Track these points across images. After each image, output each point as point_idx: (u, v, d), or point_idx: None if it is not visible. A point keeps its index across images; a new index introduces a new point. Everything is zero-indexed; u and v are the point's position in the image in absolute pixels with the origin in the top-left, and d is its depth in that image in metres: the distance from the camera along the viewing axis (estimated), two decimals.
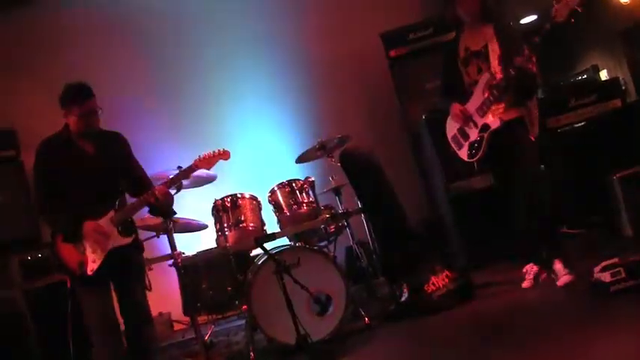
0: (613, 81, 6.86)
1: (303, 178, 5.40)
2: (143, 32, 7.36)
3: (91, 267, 4.18)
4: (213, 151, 4.50)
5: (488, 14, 4.75)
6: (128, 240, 4.34)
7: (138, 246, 4.55)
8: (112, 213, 4.28)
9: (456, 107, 4.80)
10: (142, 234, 5.53)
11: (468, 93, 4.80)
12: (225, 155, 4.53)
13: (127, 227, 4.39)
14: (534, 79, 4.57)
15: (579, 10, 4.13)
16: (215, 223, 5.32)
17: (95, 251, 4.21)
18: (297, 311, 4.36)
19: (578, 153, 6.03)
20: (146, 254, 5.63)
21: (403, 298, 4.98)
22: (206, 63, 7.47)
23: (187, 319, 5.68)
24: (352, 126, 7.27)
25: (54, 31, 7.22)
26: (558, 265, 4.55)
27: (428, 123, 6.20)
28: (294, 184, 5.33)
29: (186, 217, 5.74)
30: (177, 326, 6.58)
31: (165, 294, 5.86)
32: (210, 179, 5.63)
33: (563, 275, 4.49)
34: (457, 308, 4.76)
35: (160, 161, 4.96)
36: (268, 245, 4.95)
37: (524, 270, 4.81)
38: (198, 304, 5.33)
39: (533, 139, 4.64)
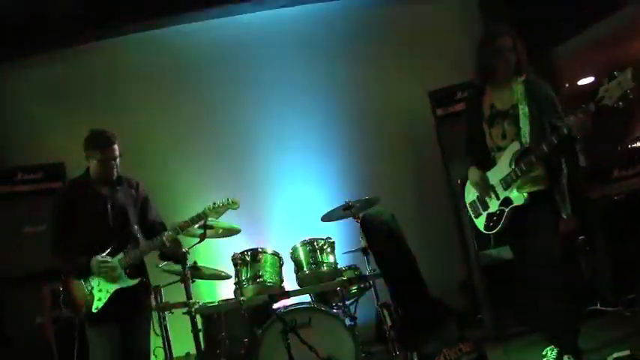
0: None
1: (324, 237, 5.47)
2: (195, 82, 7.57)
3: (96, 305, 4.39)
4: (222, 201, 4.73)
5: (521, 68, 4.42)
6: (134, 282, 4.53)
7: (146, 289, 4.77)
8: (121, 255, 4.49)
9: (475, 174, 4.58)
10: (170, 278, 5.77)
11: (490, 157, 4.53)
12: (234, 205, 4.78)
13: (136, 269, 4.60)
14: (573, 146, 4.35)
15: (631, 95, 3.81)
16: (235, 275, 5.41)
17: (101, 290, 4.42)
18: None
19: (619, 226, 5.86)
20: (172, 298, 5.91)
21: None
22: (253, 109, 7.59)
23: None
24: (395, 183, 7.45)
25: (109, 72, 7.53)
26: None
27: (464, 187, 6.13)
28: (315, 243, 5.41)
29: (214, 266, 5.85)
30: None
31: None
32: (234, 232, 5.73)
33: None
34: None
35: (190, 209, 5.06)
36: (285, 302, 5.09)
37: (543, 352, 4.57)
38: (218, 351, 5.47)
39: (565, 217, 4.31)
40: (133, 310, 4.57)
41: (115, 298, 4.42)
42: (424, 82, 7.18)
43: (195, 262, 5.57)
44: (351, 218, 5.74)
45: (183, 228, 4.64)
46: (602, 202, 6.00)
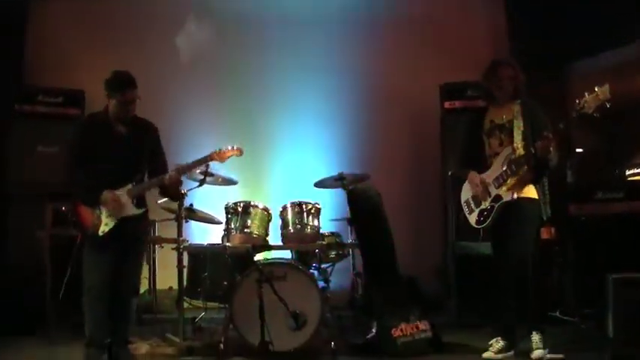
0: None
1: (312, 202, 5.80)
2: (216, 39, 7.64)
3: (102, 229, 4.70)
4: (227, 147, 4.96)
5: (518, 93, 5.03)
6: (141, 211, 4.85)
7: (147, 219, 5.12)
8: (129, 186, 4.78)
9: (475, 177, 5.08)
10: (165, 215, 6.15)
11: (487, 163, 5.07)
12: (238, 152, 5.00)
13: (140, 200, 4.91)
14: (548, 164, 4.84)
15: (608, 105, 4.40)
16: (225, 223, 5.75)
17: (109, 216, 4.72)
18: (272, 320, 4.70)
19: (592, 244, 6.15)
20: (164, 234, 6.29)
21: (370, 335, 5.32)
22: (267, 72, 7.87)
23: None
24: (392, 164, 7.76)
25: (141, 15, 7.86)
26: (535, 337, 4.85)
27: (453, 180, 6.48)
28: (303, 206, 5.70)
29: (208, 211, 6.23)
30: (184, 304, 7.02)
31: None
32: (232, 182, 6.09)
33: (537, 349, 4.80)
34: (417, 358, 5.11)
35: (192, 155, 5.33)
36: (266, 255, 5.46)
37: (489, 342, 5.06)
38: (199, 289, 5.85)
39: (545, 218, 5.03)
40: (133, 238, 4.89)
41: (120, 225, 4.73)
42: (436, 74, 7.42)
43: (191, 205, 5.95)
44: (341, 189, 6.11)
45: (189, 168, 4.92)
46: (578, 218, 6.29)
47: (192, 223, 6.32)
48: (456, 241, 6.51)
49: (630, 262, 5.67)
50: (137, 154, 4.88)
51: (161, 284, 6.83)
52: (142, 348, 5.40)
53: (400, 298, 5.43)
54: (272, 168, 7.69)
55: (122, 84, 4.75)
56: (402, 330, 5.20)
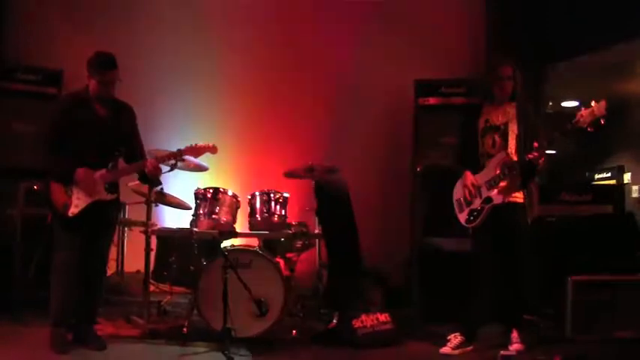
0: (611, 187, 6.97)
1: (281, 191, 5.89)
2: (195, 28, 7.87)
3: (72, 210, 4.77)
4: (204, 144, 5.04)
5: (516, 94, 5.12)
6: (111, 197, 4.93)
7: (118, 205, 5.18)
8: (104, 171, 4.85)
9: (469, 178, 5.15)
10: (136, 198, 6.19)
11: (480, 162, 5.17)
12: (213, 150, 5.09)
13: (113, 186, 4.97)
14: (536, 171, 4.99)
15: (602, 122, 4.53)
16: (194, 208, 5.80)
17: (80, 198, 4.79)
18: (236, 306, 4.86)
19: (556, 244, 6.25)
20: (134, 217, 6.33)
21: (331, 325, 5.42)
22: (242, 63, 7.92)
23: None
24: (364, 158, 7.76)
25: None
26: (514, 334, 5.03)
27: (422, 176, 6.58)
28: (271, 195, 5.80)
29: (179, 196, 6.30)
30: (151, 287, 7.08)
31: None
32: (203, 169, 6.16)
33: (515, 343, 4.99)
34: (376, 349, 5.21)
35: (167, 140, 5.37)
36: (233, 241, 5.53)
37: (448, 337, 5.16)
38: (165, 273, 5.92)
39: (529, 220, 5.13)
40: (103, 222, 4.99)
41: (90, 208, 4.80)
42: (411, 70, 7.44)
43: (161, 189, 5.98)
44: (310, 179, 6.18)
45: (165, 159, 4.98)
46: (546, 219, 6.39)
47: (165, 207, 6.35)
48: (425, 236, 6.56)
49: (595, 264, 5.82)
50: (116, 136, 4.96)
51: (129, 267, 6.86)
52: (106, 329, 5.45)
53: (363, 290, 5.53)
54: (244, 156, 7.69)
55: (103, 64, 4.84)
56: (362, 321, 5.30)
